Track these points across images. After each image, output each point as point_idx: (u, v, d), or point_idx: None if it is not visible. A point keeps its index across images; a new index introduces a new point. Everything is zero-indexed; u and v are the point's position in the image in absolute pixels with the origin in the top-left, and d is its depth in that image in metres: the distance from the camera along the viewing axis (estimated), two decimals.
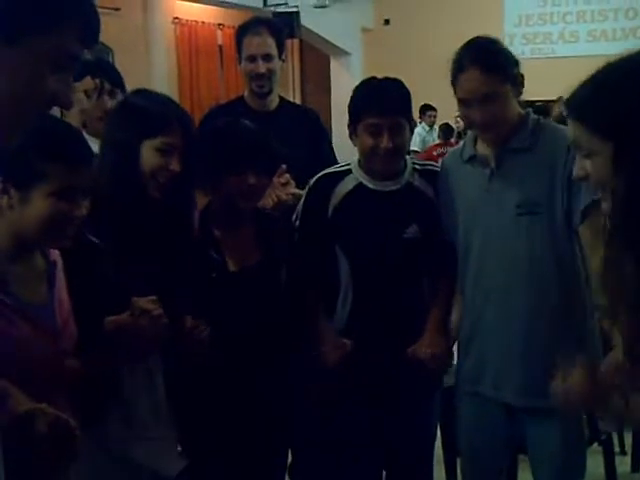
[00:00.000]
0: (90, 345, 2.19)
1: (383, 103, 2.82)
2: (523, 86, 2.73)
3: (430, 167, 3.06)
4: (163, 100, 2.56)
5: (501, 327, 2.76)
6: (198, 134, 2.69)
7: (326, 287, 2.96)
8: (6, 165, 1.94)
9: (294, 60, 15.56)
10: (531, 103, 4.04)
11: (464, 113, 2.75)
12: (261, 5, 12.62)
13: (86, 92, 3.30)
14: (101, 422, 2.37)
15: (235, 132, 2.76)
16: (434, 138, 12.97)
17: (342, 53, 15.12)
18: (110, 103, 3.27)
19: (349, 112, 2.93)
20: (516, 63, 2.72)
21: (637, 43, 1.86)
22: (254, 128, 2.78)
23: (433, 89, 9.74)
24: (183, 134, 2.47)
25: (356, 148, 2.95)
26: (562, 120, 2.15)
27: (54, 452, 1.77)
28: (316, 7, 13.48)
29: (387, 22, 15.89)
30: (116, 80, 3.41)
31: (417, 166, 3.01)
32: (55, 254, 2.15)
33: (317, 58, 15.66)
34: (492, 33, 2.87)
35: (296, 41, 14.17)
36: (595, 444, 3.81)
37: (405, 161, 2.97)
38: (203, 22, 13.73)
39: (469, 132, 3.08)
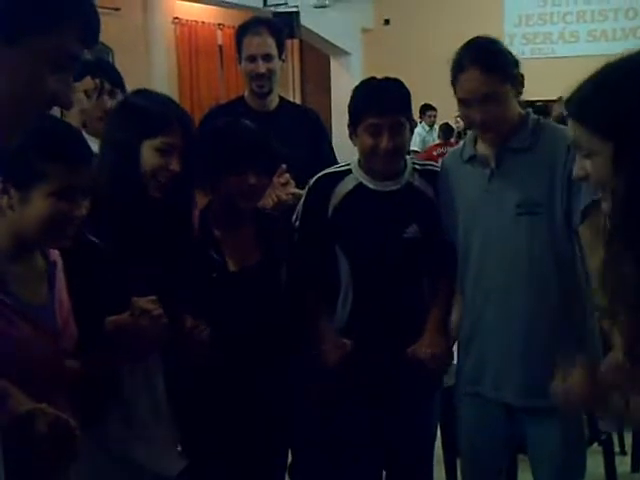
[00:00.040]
0: (90, 345, 2.19)
1: (383, 103, 2.82)
2: (523, 86, 2.73)
3: (430, 167, 3.06)
4: (163, 100, 2.56)
5: (501, 327, 2.76)
6: (198, 134, 2.69)
7: (326, 287, 2.96)
8: (6, 165, 1.94)
9: (294, 60, 15.56)
10: (531, 103, 4.05)
11: (464, 113, 2.75)
12: (261, 5, 12.62)
13: (86, 92, 3.30)
14: (101, 422, 2.37)
15: (235, 132, 2.76)
16: (434, 138, 12.97)
17: (342, 53, 15.12)
18: (110, 103, 3.27)
19: (349, 112, 2.93)
20: (516, 63, 2.72)
21: (637, 43, 1.87)
22: (254, 128, 2.78)
23: (433, 89, 9.74)
24: (183, 134, 2.47)
25: (356, 148, 2.95)
26: (562, 120, 2.15)
27: (54, 452, 1.77)
28: (316, 7, 13.48)
29: (387, 22, 15.89)
30: (116, 80, 3.41)
31: (417, 166, 3.01)
32: (55, 254, 2.15)
33: (317, 58, 15.66)
34: (492, 33, 2.87)
35: (296, 41, 14.16)
36: (595, 444, 3.81)
37: (405, 161, 2.97)
38: (203, 22, 13.73)
39: (469, 132, 3.08)
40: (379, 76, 2.96)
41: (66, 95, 1.32)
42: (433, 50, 12.68)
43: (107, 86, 3.35)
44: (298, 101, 13.09)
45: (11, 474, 1.49)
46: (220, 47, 13.85)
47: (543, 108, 8.12)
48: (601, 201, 1.78)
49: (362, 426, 2.95)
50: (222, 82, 13.78)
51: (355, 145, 2.94)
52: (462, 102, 2.71)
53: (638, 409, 1.86)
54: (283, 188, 3.17)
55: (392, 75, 2.97)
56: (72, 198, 2.02)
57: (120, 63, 7.19)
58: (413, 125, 2.99)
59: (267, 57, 3.56)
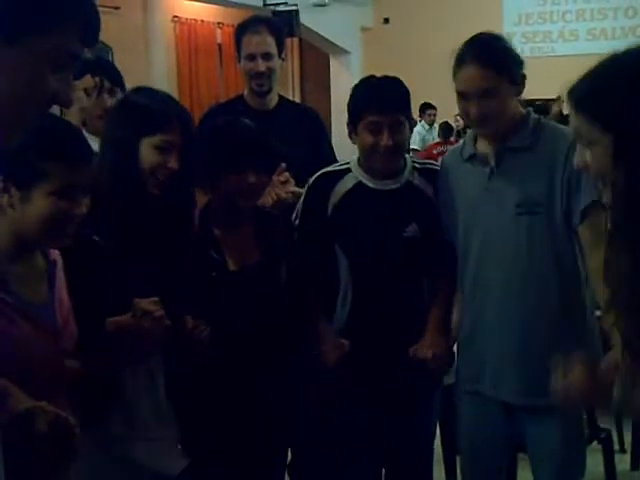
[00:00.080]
0: (91, 345, 2.19)
1: (383, 101, 2.82)
2: (524, 86, 2.73)
3: (430, 166, 3.06)
4: (163, 98, 2.56)
5: (500, 326, 2.76)
6: (198, 133, 2.69)
7: (326, 286, 2.96)
8: (7, 164, 1.94)
9: (294, 59, 15.56)
10: (531, 102, 4.04)
11: (462, 107, 2.74)
12: (261, 4, 12.61)
13: (86, 90, 3.31)
14: (103, 422, 2.37)
15: (235, 131, 2.76)
16: (434, 137, 12.97)
17: (342, 52, 15.12)
18: (110, 101, 3.27)
19: (348, 111, 2.93)
20: (520, 63, 2.71)
21: (637, 42, 1.85)
22: (254, 127, 2.78)
23: (433, 88, 9.75)
24: (182, 132, 2.47)
25: (356, 147, 2.95)
26: (561, 119, 2.15)
27: (54, 451, 1.77)
28: (315, 6, 13.49)
29: (386, 21, 15.88)
30: (116, 78, 3.41)
31: (417, 165, 3.01)
32: (55, 253, 2.15)
33: (317, 57, 15.66)
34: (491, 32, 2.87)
35: (296, 40, 14.16)
36: (595, 442, 3.82)
37: (405, 160, 2.97)
38: (202, 21, 13.73)
39: (469, 131, 3.08)
40: (378, 75, 2.97)
41: (66, 94, 1.32)
42: (433, 49, 12.69)
43: (107, 84, 3.35)
44: (298, 100, 13.08)
45: (11, 473, 1.49)
46: (219, 46, 13.85)
47: (543, 107, 8.11)
48: (601, 193, 1.79)
49: (362, 426, 2.95)
50: (221, 81, 13.79)
51: (354, 144, 2.94)
52: (460, 96, 2.71)
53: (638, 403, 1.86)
54: (283, 186, 3.17)
55: (392, 74, 2.97)
56: (73, 197, 2.02)
57: (120, 62, 7.19)
58: (412, 124, 3.00)
59: (266, 56, 3.56)
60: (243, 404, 2.66)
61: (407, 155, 3.04)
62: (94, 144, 2.41)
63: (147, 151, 2.43)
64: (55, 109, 1.86)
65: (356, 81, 3.02)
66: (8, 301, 1.96)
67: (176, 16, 13.23)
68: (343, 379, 2.85)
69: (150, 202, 2.45)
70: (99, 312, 2.25)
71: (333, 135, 5.27)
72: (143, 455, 2.46)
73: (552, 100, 9.55)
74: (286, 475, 3.18)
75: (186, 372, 2.58)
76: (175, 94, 10.66)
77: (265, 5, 12.60)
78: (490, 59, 2.65)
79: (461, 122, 11.75)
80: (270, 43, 3.57)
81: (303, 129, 3.63)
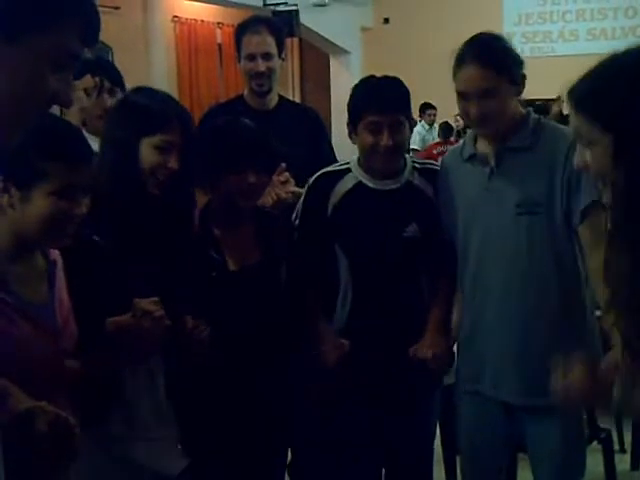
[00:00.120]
0: (91, 345, 2.19)
1: (383, 101, 2.82)
2: (524, 86, 2.73)
3: (430, 166, 3.06)
4: (163, 97, 2.56)
5: (500, 326, 2.76)
6: (198, 133, 2.69)
7: (326, 286, 2.96)
8: (7, 164, 1.94)
9: (294, 59, 15.56)
10: (530, 102, 4.04)
11: (462, 107, 2.74)
12: (260, 4, 12.61)
13: (86, 90, 3.31)
14: (103, 422, 2.37)
15: (235, 131, 2.76)
16: (434, 137, 12.98)
17: (342, 52, 15.12)
18: (110, 101, 3.27)
19: (348, 111, 2.93)
20: (520, 63, 2.71)
21: (637, 42, 1.86)
22: (254, 127, 2.78)
23: (433, 88, 9.74)
24: (182, 132, 2.47)
25: (356, 147, 2.95)
26: (561, 119, 2.16)
27: (54, 451, 1.77)
28: (315, 6, 13.49)
29: (386, 21, 15.88)
30: (116, 78, 3.41)
31: (417, 165, 3.01)
32: (55, 253, 2.15)
33: (317, 57, 15.66)
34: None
35: (295, 40, 14.16)
36: (595, 442, 3.82)
37: (405, 160, 2.97)
38: (202, 21, 13.73)
39: (469, 131, 3.08)
40: (378, 75, 2.97)
41: (66, 94, 1.32)
42: (433, 49, 12.68)
43: (107, 84, 3.35)
44: (298, 100, 13.08)
45: (11, 473, 1.49)
46: (219, 46, 13.85)
47: (543, 107, 8.11)
48: (601, 193, 1.79)
49: (362, 426, 2.95)
50: (221, 81, 13.79)
51: (354, 144, 2.94)
52: (460, 96, 2.71)
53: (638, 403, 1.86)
54: (283, 186, 3.17)
55: (392, 74, 2.97)
56: (73, 197, 2.02)
57: (120, 62, 7.19)
58: (412, 124, 3.00)
59: (266, 56, 3.56)
60: (243, 404, 2.66)
61: (407, 155, 3.04)
62: (94, 144, 2.41)
63: (147, 151, 2.43)
64: (55, 109, 1.86)
65: (356, 81, 3.02)
66: (8, 301, 1.96)
67: (176, 16, 13.23)
68: (343, 379, 2.85)
69: (150, 202, 2.45)
70: (99, 312, 2.25)
71: (333, 135, 5.27)
72: (143, 455, 2.46)
73: (552, 100, 9.55)
74: (286, 475, 3.18)
75: (186, 372, 2.58)
76: (175, 94, 10.66)
77: (265, 5, 12.60)
78: (490, 59, 2.65)
79: (461, 122, 11.75)
80: (270, 43, 3.57)
81: (303, 129, 3.63)
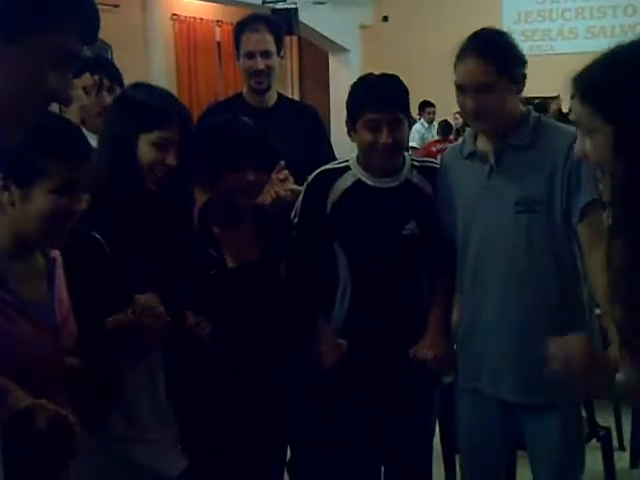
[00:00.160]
0: (91, 342, 2.19)
1: (382, 99, 2.82)
2: (524, 85, 2.73)
3: (429, 164, 3.06)
4: (161, 94, 2.55)
5: (499, 324, 2.76)
6: (197, 131, 2.69)
7: (324, 284, 2.96)
8: (7, 162, 1.94)
9: (292, 57, 15.57)
10: (530, 100, 4.05)
11: (459, 100, 2.74)
12: (259, 2, 12.61)
13: (85, 89, 3.31)
14: (103, 420, 2.37)
15: (234, 129, 2.75)
16: (433, 135, 12.98)
17: (341, 50, 15.12)
18: (109, 99, 3.27)
19: (347, 109, 2.92)
20: (522, 62, 2.71)
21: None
22: (252, 125, 2.78)
23: (432, 85, 9.75)
24: (181, 128, 2.46)
25: (354, 145, 2.95)
26: (560, 117, 2.16)
27: (53, 448, 1.77)
28: (314, 4, 13.49)
29: (385, 19, 15.88)
30: (115, 76, 3.42)
31: (416, 163, 3.01)
32: (55, 251, 2.15)
33: (315, 55, 15.66)
34: None
35: (294, 38, 14.17)
36: (594, 440, 3.82)
37: (404, 158, 2.97)
38: (201, 19, 13.74)
39: (467, 129, 3.08)
40: (377, 73, 2.97)
41: (65, 92, 1.32)
42: (432, 47, 12.69)
43: (106, 82, 3.35)
44: (296, 98, 13.08)
45: (10, 471, 1.49)
46: (218, 44, 13.86)
47: (542, 105, 8.11)
48: (600, 187, 1.79)
49: (362, 426, 2.95)
50: (220, 79, 13.80)
51: (353, 141, 2.94)
52: (459, 89, 2.71)
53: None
54: (282, 184, 3.17)
55: (391, 72, 2.97)
56: (73, 194, 2.02)
57: (119, 60, 7.19)
58: (412, 122, 2.99)
59: (265, 54, 3.56)
60: (242, 401, 2.66)
61: (406, 153, 3.04)
62: (93, 142, 2.41)
63: (145, 147, 2.43)
64: (54, 107, 1.86)
65: (355, 79, 3.02)
66: (7, 300, 1.96)
67: (175, 14, 13.23)
68: (342, 379, 2.85)
69: (148, 198, 2.45)
70: (98, 308, 2.25)
71: (332, 133, 5.26)
72: (143, 456, 2.46)
73: (551, 98, 9.56)
74: (285, 474, 3.18)
75: (186, 370, 2.58)
76: (174, 92, 10.62)
77: (264, 3, 12.61)
78: (491, 54, 2.64)
79: (460, 120, 11.76)
80: (269, 41, 3.57)
81: (302, 127, 3.63)
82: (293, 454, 3.24)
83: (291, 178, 3.20)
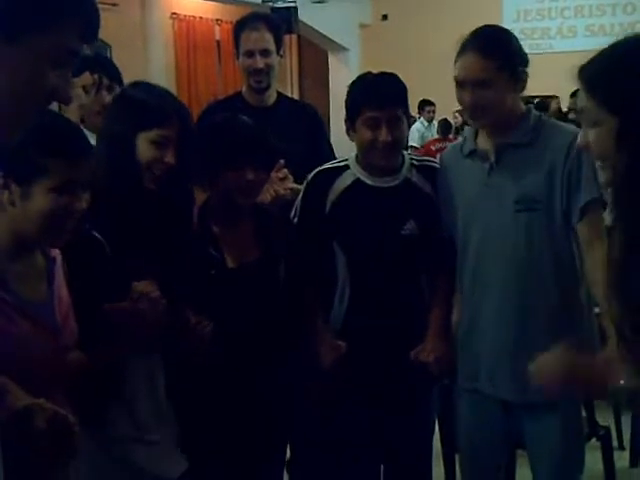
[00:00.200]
0: (91, 339, 2.19)
1: (381, 96, 2.82)
2: (526, 83, 2.72)
3: (428, 163, 3.05)
4: (160, 92, 2.55)
5: (498, 323, 2.76)
6: (196, 129, 2.68)
7: (323, 283, 2.96)
8: (7, 161, 1.94)
9: (292, 56, 15.56)
10: (530, 98, 4.05)
11: (458, 95, 2.74)
12: (259, 0, 12.61)
13: (84, 87, 3.30)
14: (103, 421, 2.37)
15: (233, 127, 2.75)
16: (433, 133, 12.98)
17: (340, 49, 15.13)
18: (108, 98, 3.27)
19: (346, 107, 2.92)
20: (524, 61, 2.70)
21: None
22: (252, 123, 2.77)
23: (431, 84, 9.75)
24: (180, 127, 2.46)
25: (354, 144, 2.94)
26: (560, 116, 2.16)
27: (52, 448, 1.77)
28: (314, 2, 13.49)
29: (385, 17, 15.89)
30: (114, 75, 3.41)
31: (415, 162, 3.00)
32: (55, 250, 2.15)
33: (315, 53, 15.66)
34: None
35: (294, 36, 14.17)
36: (593, 439, 3.82)
37: (403, 157, 2.97)
38: (201, 17, 13.73)
39: (467, 128, 3.08)
40: (376, 71, 2.96)
41: (65, 91, 1.32)
42: (431, 45, 12.69)
43: (105, 81, 3.35)
44: (296, 97, 13.08)
45: (10, 471, 1.49)
46: (218, 42, 13.85)
47: (542, 104, 8.11)
48: (601, 173, 1.80)
49: (362, 426, 2.94)
50: (220, 77, 13.79)
51: (352, 140, 2.93)
52: (458, 84, 2.71)
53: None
54: (281, 183, 3.16)
55: (390, 70, 2.97)
56: (73, 192, 2.02)
57: (118, 59, 7.17)
58: (411, 121, 2.99)
59: (265, 52, 3.55)
60: (242, 401, 2.66)
61: (405, 152, 3.03)
62: (92, 141, 2.41)
63: (144, 146, 2.43)
64: (53, 106, 1.86)
65: (355, 78, 3.02)
66: (7, 299, 1.96)
67: (174, 13, 13.23)
68: (342, 379, 2.84)
69: (147, 197, 2.45)
70: (98, 307, 2.25)
71: (331, 132, 5.28)
72: (143, 458, 2.45)
73: (551, 97, 9.56)
74: (285, 473, 3.18)
75: (186, 370, 2.58)
76: (173, 91, 10.59)
77: (264, 2, 12.60)
78: (492, 51, 2.64)
79: (460, 119, 11.76)
80: (268, 40, 3.57)
81: (301, 126, 3.63)
82: (293, 454, 3.24)
83: (290, 177, 3.19)
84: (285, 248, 2.82)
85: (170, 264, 2.47)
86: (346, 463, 2.99)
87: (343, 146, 3.54)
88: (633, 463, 4.36)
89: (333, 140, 3.92)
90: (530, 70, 2.72)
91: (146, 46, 12.45)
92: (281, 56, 3.67)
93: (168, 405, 2.55)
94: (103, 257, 2.32)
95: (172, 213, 2.53)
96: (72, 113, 3.14)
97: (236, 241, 2.73)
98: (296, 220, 2.99)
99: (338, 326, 2.94)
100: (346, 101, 2.93)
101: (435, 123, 12.97)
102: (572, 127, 2.86)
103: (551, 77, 6.82)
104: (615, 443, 4.31)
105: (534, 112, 2.79)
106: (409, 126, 2.95)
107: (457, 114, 12.13)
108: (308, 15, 13.02)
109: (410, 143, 10.89)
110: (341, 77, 13.84)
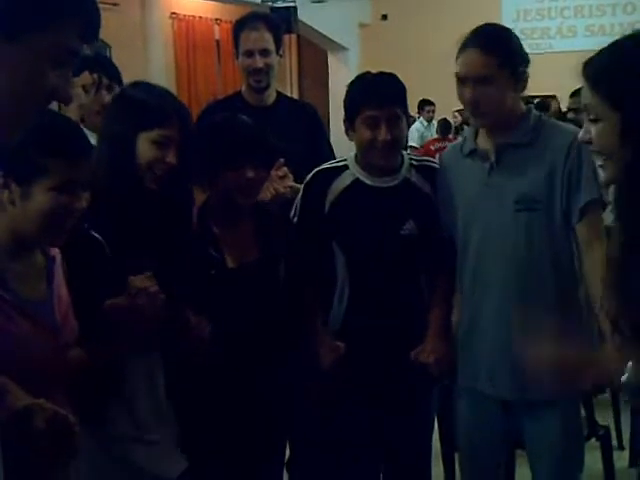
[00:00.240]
0: (91, 337, 2.19)
1: (380, 95, 2.82)
2: (526, 83, 2.72)
3: (427, 163, 3.05)
4: (160, 92, 2.55)
5: (498, 322, 2.75)
6: (196, 129, 2.68)
7: (323, 283, 2.95)
8: (7, 160, 1.94)
9: (291, 55, 15.55)
10: (530, 98, 4.05)
11: (459, 92, 2.74)
12: (258, 0, 12.60)
13: (84, 87, 3.30)
14: (102, 420, 2.37)
15: (232, 127, 2.75)
16: (432, 133, 12.98)
17: (339, 48, 15.12)
18: (108, 98, 3.27)
19: (345, 107, 2.92)
20: (525, 60, 2.71)
21: None
22: (251, 123, 2.77)
23: (431, 84, 9.75)
24: (180, 127, 2.46)
25: (353, 143, 2.94)
26: (560, 116, 2.16)
27: (52, 448, 1.77)
28: (313, 2, 13.50)
29: (384, 17, 15.89)
30: (114, 75, 3.42)
31: (414, 162, 3.00)
32: (54, 250, 2.14)
33: (314, 53, 15.65)
34: None
35: (293, 36, 14.16)
36: (593, 439, 3.82)
37: (402, 157, 2.97)
38: (200, 17, 13.72)
39: (466, 127, 3.08)
40: (375, 71, 2.97)
41: (65, 90, 1.32)
42: (431, 45, 12.69)
43: (105, 81, 3.35)
44: (295, 96, 13.07)
45: (10, 471, 1.49)
46: (217, 42, 13.85)
47: (542, 104, 8.11)
48: (601, 172, 1.80)
49: (362, 426, 2.94)
50: (219, 77, 13.78)
51: (351, 140, 2.93)
52: (459, 80, 2.71)
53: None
54: (281, 181, 3.16)
55: (390, 70, 2.97)
56: (73, 192, 2.02)
57: (118, 58, 7.17)
58: (410, 121, 2.99)
59: (264, 52, 3.56)
60: (242, 401, 2.66)
61: (404, 152, 3.03)
62: (92, 140, 2.40)
63: (144, 146, 2.43)
64: (53, 106, 1.86)
65: (354, 77, 3.02)
66: (6, 298, 1.96)
67: (174, 12, 13.22)
68: (342, 379, 2.84)
69: (147, 197, 2.45)
70: (98, 306, 2.25)
71: (331, 131, 5.27)
72: (143, 458, 2.45)
73: (550, 97, 9.56)
74: (285, 473, 3.18)
75: (186, 370, 2.58)
76: (173, 90, 10.58)
77: (263, 1, 12.61)
78: (493, 48, 2.64)
79: (459, 119, 11.77)
80: (268, 39, 3.57)
81: (301, 125, 3.63)
82: (292, 453, 3.24)
83: (290, 175, 3.19)
84: (285, 248, 2.82)
85: (170, 264, 2.47)
86: (346, 463, 2.99)
87: (343, 146, 3.53)
88: (632, 463, 4.35)
89: (333, 140, 3.92)
90: (530, 70, 2.72)
91: (146, 46, 12.44)
92: (280, 56, 3.67)
93: (168, 405, 2.55)
94: (102, 256, 2.32)
95: (173, 213, 2.53)
96: (72, 113, 3.15)
97: (236, 241, 2.73)
98: (295, 220, 2.99)
99: (337, 326, 2.94)
100: (345, 101, 2.93)
101: (435, 123, 12.96)
102: (572, 127, 2.86)
103: (551, 77, 6.85)
104: (615, 443, 4.31)
105: (534, 112, 2.79)
106: (408, 126, 2.95)
107: (457, 114, 12.14)
108: (308, 15, 13.02)
109: (409, 143, 10.89)
110: (341, 77, 13.84)
